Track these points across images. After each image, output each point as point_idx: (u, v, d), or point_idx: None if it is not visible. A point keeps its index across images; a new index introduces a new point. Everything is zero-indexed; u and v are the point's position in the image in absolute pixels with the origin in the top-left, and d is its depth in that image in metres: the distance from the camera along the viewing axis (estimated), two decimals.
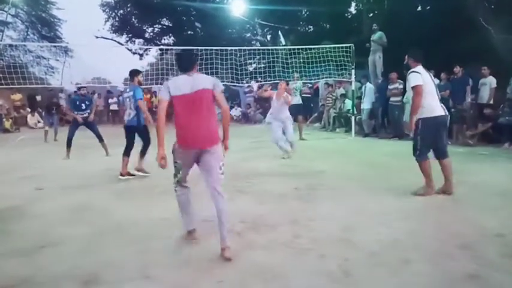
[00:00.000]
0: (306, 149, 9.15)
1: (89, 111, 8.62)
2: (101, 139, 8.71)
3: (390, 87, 10.57)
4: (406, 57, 4.94)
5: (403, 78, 10.88)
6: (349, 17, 21.25)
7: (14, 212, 4.65)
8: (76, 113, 8.49)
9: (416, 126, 4.64)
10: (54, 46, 24.65)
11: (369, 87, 11.43)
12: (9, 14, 24.07)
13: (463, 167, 6.05)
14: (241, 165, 7.07)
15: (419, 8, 17.47)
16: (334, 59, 11.42)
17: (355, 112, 11.71)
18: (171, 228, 3.92)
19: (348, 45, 11.30)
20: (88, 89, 12.62)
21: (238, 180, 5.93)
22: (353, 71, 11.36)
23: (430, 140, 4.65)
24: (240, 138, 11.73)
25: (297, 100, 10.68)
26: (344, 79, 12.15)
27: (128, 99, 6.39)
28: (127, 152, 6.45)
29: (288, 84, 8.38)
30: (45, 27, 25.56)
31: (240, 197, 5.04)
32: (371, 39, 12.41)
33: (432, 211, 4.31)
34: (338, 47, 11.48)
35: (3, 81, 10.62)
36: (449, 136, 9.07)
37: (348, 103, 12.59)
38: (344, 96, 13.19)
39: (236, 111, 21.46)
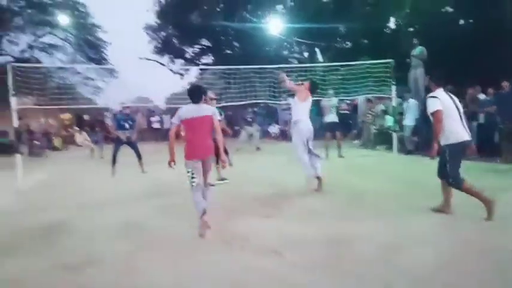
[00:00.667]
0: (345, 166, 9.00)
1: (132, 130, 8.94)
2: (139, 157, 9.04)
3: None
4: (428, 79, 4.85)
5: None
6: (388, 32, 20.98)
7: (62, 227, 4.85)
8: (120, 131, 8.84)
9: (439, 151, 4.52)
10: (101, 68, 25.93)
11: (412, 103, 11.15)
12: (60, 38, 25.61)
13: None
14: (279, 182, 7.05)
15: (461, 22, 17.00)
16: (373, 75, 11.25)
17: (397, 128, 11.43)
18: (209, 245, 3.96)
19: (387, 60, 11.12)
20: (132, 108, 13.17)
21: (276, 198, 5.92)
22: (393, 87, 11.14)
23: (459, 164, 4.53)
24: (276, 155, 11.73)
25: (332, 118, 10.60)
26: (384, 95, 11.92)
27: None
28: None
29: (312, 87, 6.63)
30: (92, 49, 26.97)
31: (278, 215, 5.02)
32: (411, 54, 12.17)
33: (476, 231, 4.08)
34: (377, 63, 11.32)
35: (53, 102, 11.22)
36: (497, 154, 8.66)
37: (389, 119, 12.31)
38: (385, 112, 12.89)
39: (274, 129, 21.52)
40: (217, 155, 5.24)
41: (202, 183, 4.56)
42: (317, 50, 20.57)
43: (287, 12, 22.95)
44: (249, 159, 10.81)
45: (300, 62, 21.91)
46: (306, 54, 23.72)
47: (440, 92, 4.56)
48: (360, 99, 14.74)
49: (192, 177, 4.47)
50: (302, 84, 6.80)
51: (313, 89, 6.63)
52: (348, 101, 15.14)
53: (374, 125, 13.56)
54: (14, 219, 5.36)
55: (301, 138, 6.23)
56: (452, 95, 4.64)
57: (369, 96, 12.93)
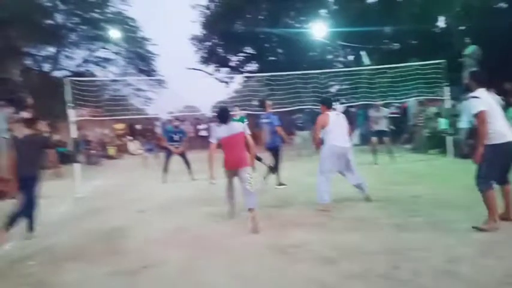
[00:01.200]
0: (397, 172, 8.71)
1: (181, 142, 9.42)
2: (189, 167, 9.40)
3: None
4: (469, 78, 4.61)
5: (503, 93, 9.98)
6: (438, 31, 20.15)
7: (119, 233, 5.05)
8: (171, 144, 9.34)
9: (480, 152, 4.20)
10: (151, 79, 26.91)
11: (467, 104, 10.61)
12: (112, 52, 26.91)
13: None
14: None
15: None
16: (424, 76, 10.83)
17: (452, 131, 10.91)
18: (263, 252, 3.96)
19: (439, 61, 10.67)
20: (179, 117, 13.61)
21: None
22: (446, 88, 10.66)
23: (497, 168, 4.24)
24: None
25: (380, 127, 10.50)
26: (437, 97, 11.44)
27: (266, 125, 7.65)
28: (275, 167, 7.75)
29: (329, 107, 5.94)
30: (142, 61, 28.08)
31: (330, 223, 4.94)
32: (464, 53, 11.61)
33: None
34: (428, 64, 10.89)
35: (107, 113, 11.75)
36: None
37: (442, 122, 11.77)
38: (437, 115, 12.35)
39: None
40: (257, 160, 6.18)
41: (233, 193, 5.44)
42: (363, 53, 20.12)
43: (331, 16, 22.70)
44: (295, 166, 10.74)
45: (345, 66, 21.55)
46: (351, 58, 23.30)
47: (482, 92, 4.32)
48: (410, 102, 14.25)
49: (228, 183, 5.37)
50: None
51: (327, 104, 6.00)
52: (398, 104, 14.66)
53: (426, 128, 13.03)
54: (74, 225, 5.66)
55: (331, 160, 5.71)
56: (493, 94, 4.41)
57: (420, 98, 12.46)
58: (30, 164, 5.14)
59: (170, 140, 9.41)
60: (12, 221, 4.86)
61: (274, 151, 7.80)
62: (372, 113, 10.71)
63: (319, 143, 5.89)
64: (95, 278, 3.54)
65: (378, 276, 3.20)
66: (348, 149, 5.79)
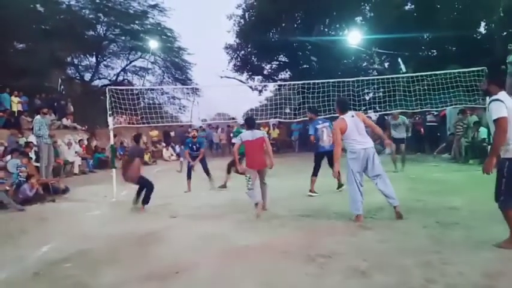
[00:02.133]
0: (434, 182, 8.42)
1: (198, 152, 9.52)
2: (208, 174, 9.54)
3: None
4: (486, 81, 4.18)
5: None
6: (479, 37, 19.44)
7: (152, 238, 5.15)
8: (190, 153, 9.56)
9: (498, 165, 3.89)
10: (186, 88, 27.48)
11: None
12: (149, 61, 27.71)
13: None
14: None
15: None
16: (463, 84, 10.44)
17: (492, 141, 10.44)
18: (293, 261, 3.92)
19: (479, 68, 10.26)
20: (213, 124, 13.83)
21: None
22: (487, 97, 10.22)
23: None
24: None
25: (398, 135, 10.74)
26: (477, 105, 10.99)
27: (323, 129, 7.79)
28: (315, 173, 7.80)
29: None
30: (178, 71, 28.73)
31: (362, 233, 4.83)
32: (507, 61, 11.10)
33: None
34: (468, 71, 10.49)
35: (144, 120, 12.03)
36: None
37: (483, 131, 11.29)
38: (478, 124, 11.86)
39: None
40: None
41: (258, 185, 6.37)
42: (399, 60, 19.69)
43: (366, 23, 22.41)
44: (328, 173, 10.60)
45: (379, 73, 21.17)
46: (386, 65, 22.85)
47: (504, 95, 3.87)
48: (449, 110, 13.77)
49: (249, 181, 6.25)
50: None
51: (341, 106, 5.76)
52: (435, 112, 14.19)
53: (466, 137, 12.54)
54: (109, 228, 5.82)
55: (357, 165, 5.45)
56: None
57: (460, 106, 12.02)
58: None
59: (191, 150, 9.60)
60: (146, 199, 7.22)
61: (330, 155, 7.06)
62: (390, 121, 11.05)
63: (338, 155, 5.52)
64: (130, 282, 3.61)
65: None
66: (370, 150, 5.44)
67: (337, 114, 5.82)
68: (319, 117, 8.45)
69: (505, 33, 17.29)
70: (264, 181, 6.50)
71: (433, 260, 3.67)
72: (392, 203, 5.39)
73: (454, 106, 11.75)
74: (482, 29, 19.55)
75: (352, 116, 5.55)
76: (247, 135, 6.36)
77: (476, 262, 3.57)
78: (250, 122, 6.57)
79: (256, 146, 6.31)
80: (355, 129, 5.46)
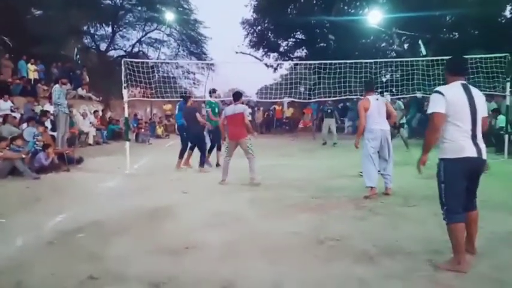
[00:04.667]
0: None
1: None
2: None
3: None
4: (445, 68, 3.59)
5: None
6: (503, 21, 18.78)
7: (164, 212, 5.22)
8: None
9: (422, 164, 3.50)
10: (201, 62, 27.30)
11: None
12: (165, 33, 27.51)
13: None
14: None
15: None
16: (485, 70, 10.16)
17: (510, 130, 10.23)
18: (302, 243, 3.95)
19: (502, 55, 9.95)
20: (226, 100, 13.79)
21: (369, 199, 5.68)
22: (508, 84, 9.95)
23: (458, 190, 3.27)
24: None
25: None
26: (497, 93, 10.72)
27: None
28: None
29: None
30: (193, 44, 28.52)
31: (372, 218, 4.84)
32: None
33: None
34: (490, 57, 10.18)
35: (158, 94, 12.01)
36: None
37: (502, 119, 11.06)
38: (497, 111, 11.61)
39: None
40: None
41: (229, 162, 7.16)
42: (420, 42, 19.20)
43: (387, 2, 21.77)
44: (340, 155, 10.58)
45: (398, 55, 20.71)
46: (406, 46, 22.31)
47: (452, 86, 3.35)
48: None
49: (225, 149, 7.34)
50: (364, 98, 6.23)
51: (368, 88, 6.24)
52: None
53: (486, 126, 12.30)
54: (121, 201, 5.93)
55: (373, 143, 5.87)
56: (475, 92, 3.34)
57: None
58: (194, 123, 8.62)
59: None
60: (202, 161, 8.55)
61: None
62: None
63: (361, 130, 5.99)
64: (140, 255, 3.68)
65: (420, 278, 3.10)
66: (387, 132, 5.96)
67: (352, 96, 6.10)
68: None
69: None
70: (248, 154, 6.99)
71: (442, 248, 3.65)
72: (387, 183, 6.00)
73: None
74: (507, 13, 18.88)
75: (377, 99, 6.05)
76: (229, 109, 7.17)
77: (488, 252, 3.55)
78: (235, 96, 7.26)
79: (235, 120, 7.00)
80: (376, 110, 5.93)
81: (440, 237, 3.99)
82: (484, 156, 3.29)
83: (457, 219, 3.24)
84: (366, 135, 5.96)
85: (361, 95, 9.88)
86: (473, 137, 3.26)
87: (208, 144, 9.28)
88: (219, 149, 9.34)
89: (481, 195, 3.48)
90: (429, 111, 3.32)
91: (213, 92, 10.06)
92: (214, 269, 3.34)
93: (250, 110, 6.86)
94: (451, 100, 3.23)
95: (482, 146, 3.30)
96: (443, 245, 3.70)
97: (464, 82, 3.36)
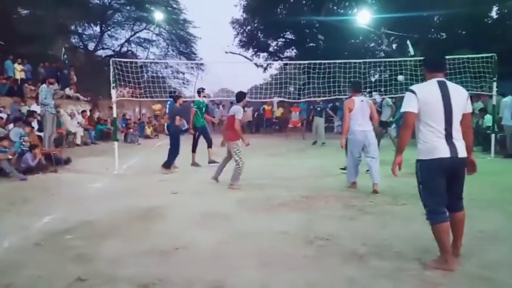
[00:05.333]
0: None
1: None
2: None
3: None
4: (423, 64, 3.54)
5: None
6: (490, 22, 19.06)
7: (153, 213, 5.19)
8: None
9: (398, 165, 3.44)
10: (191, 62, 27.20)
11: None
12: (154, 33, 27.34)
13: None
14: (362, 181, 6.80)
15: None
16: (472, 70, 10.29)
17: (496, 129, 10.39)
18: (291, 243, 3.96)
19: (488, 55, 10.10)
20: (216, 100, 13.79)
21: (360, 198, 5.73)
22: (494, 84, 10.10)
23: (436, 190, 3.24)
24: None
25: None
26: (483, 92, 10.88)
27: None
28: None
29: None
30: (182, 44, 28.42)
31: (361, 217, 4.87)
32: None
33: None
34: (477, 57, 10.32)
35: (147, 94, 11.89)
36: None
37: (488, 119, 11.22)
38: (483, 111, 11.79)
39: None
40: None
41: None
42: (408, 42, 19.38)
43: (376, 3, 21.95)
44: (330, 155, 10.62)
45: (387, 55, 20.88)
46: (394, 46, 22.52)
47: (427, 84, 3.30)
48: None
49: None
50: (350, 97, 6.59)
51: (355, 89, 6.55)
52: None
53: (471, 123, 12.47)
54: (110, 201, 5.87)
55: (356, 143, 6.29)
56: (453, 89, 3.25)
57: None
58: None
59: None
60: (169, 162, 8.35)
61: None
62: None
63: (346, 130, 6.28)
64: (130, 256, 3.65)
65: (409, 277, 3.12)
66: (369, 133, 6.23)
67: (341, 96, 6.19)
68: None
69: None
70: (235, 159, 6.67)
71: (430, 247, 3.68)
72: (373, 179, 6.19)
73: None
74: (494, 14, 19.15)
75: (362, 101, 6.30)
76: (231, 110, 6.87)
77: (475, 250, 3.59)
78: (236, 97, 7.05)
79: (228, 121, 6.90)
80: (360, 112, 6.21)
81: (428, 236, 4.01)
82: (461, 154, 3.22)
83: (439, 220, 3.23)
84: (349, 136, 6.31)
85: (346, 95, 10.14)
86: (448, 137, 3.19)
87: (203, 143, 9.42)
88: (209, 146, 9.41)
89: (469, 194, 3.51)
90: (401, 110, 3.29)
91: (202, 91, 10.03)
92: (205, 270, 3.33)
93: (242, 112, 6.71)
94: (423, 99, 3.18)
95: (459, 144, 3.23)
96: (431, 244, 3.72)
97: (442, 79, 3.29)
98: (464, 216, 3.39)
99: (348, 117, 6.20)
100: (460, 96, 3.27)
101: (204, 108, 9.43)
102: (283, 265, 3.42)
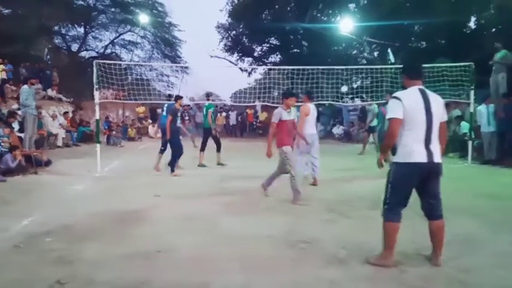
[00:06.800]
0: None
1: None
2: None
3: None
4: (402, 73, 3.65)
5: None
6: (468, 32, 19.58)
7: (135, 216, 5.17)
8: None
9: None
10: (176, 65, 27.09)
11: (492, 108, 10.36)
12: (139, 35, 27.18)
13: None
14: (343, 186, 6.93)
15: None
16: (450, 78, 10.57)
17: (473, 136, 10.67)
18: (274, 246, 4.00)
19: (466, 64, 10.39)
20: (200, 103, 13.76)
21: (341, 202, 5.82)
22: (472, 92, 10.39)
23: (402, 193, 3.42)
24: (342, 157, 11.51)
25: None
26: (461, 100, 11.18)
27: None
28: None
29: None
30: (167, 47, 28.31)
31: (343, 221, 4.95)
32: (493, 59, 11.24)
33: None
34: (455, 66, 10.61)
35: (131, 96, 11.83)
36: None
37: (465, 126, 11.53)
38: (460, 118, 12.10)
39: (338, 130, 21.09)
40: None
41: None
42: (389, 50, 19.77)
43: (359, 11, 22.32)
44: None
45: (368, 62, 21.24)
46: (376, 54, 22.92)
47: (410, 91, 3.40)
48: None
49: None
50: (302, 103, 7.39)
51: (311, 97, 7.58)
52: None
53: (447, 131, 12.78)
54: (92, 204, 5.83)
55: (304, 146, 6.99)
56: (432, 97, 3.39)
57: (444, 100, 12.18)
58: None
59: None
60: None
61: None
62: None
63: (302, 134, 6.79)
64: (112, 259, 3.63)
65: (388, 280, 3.20)
66: (315, 137, 7.23)
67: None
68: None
69: (494, 29, 17.44)
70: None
71: (408, 250, 3.80)
72: (314, 174, 7.16)
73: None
74: (472, 24, 19.68)
75: (314, 108, 7.24)
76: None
77: (451, 254, 3.68)
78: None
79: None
80: (313, 117, 7.20)
81: (407, 239, 4.15)
82: (437, 160, 3.34)
83: (392, 219, 3.43)
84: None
85: (335, 100, 10.61)
86: (427, 142, 3.31)
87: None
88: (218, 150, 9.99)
89: (444, 199, 3.61)
90: (387, 116, 3.40)
91: (210, 95, 10.84)
92: (188, 273, 3.34)
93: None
94: (408, 106, 3.29)
95: (436, 150, 3.34)
96: (410, 247, 3.86)
97: (422, 87, 3.43)
98: (443, 224, 3.50)
99: (304, 121, 7.00)
100: (438, 104, 3.41)
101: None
102: (265, 268, 3.45)
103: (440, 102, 3.45)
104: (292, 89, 12.42)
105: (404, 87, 3.52)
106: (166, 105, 9.81)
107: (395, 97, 3.37)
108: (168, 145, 8.75)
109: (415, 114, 3.30)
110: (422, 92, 3.38)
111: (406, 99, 3.33)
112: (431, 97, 3.38)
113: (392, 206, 3.43)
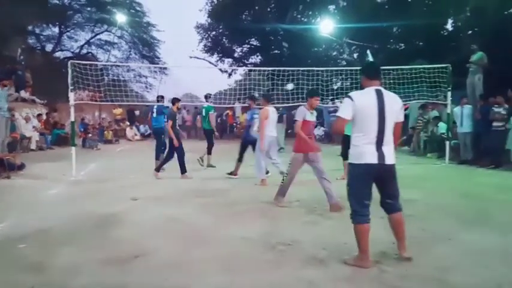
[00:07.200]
0: None
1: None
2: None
3: (495, 110, 9.76)
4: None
5: (507, 101, 9.93)
6: (445, 34, 20.02)
7: (112, 220, 5.04)
8: None
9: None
10: (154, 66, 26.75)
11: (467, 109, 10.59)
12: (116, 35, 26.72)
13: None
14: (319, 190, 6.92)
15: None
16: (428, 79, 10.76)
17: (451, 136, 10.89)
18: (254, 248, 3.96)
19: (444, 65, 10.60)
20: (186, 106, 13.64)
21: (322, 204, 5.81)
22: (449, 93, 10.60)
23: (360, 194, 3.43)
24: (323, 158, 11.52)
25: None
26: (439, 101, 11.40)
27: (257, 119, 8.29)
28: (240, 159, 8.41)
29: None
30: (145, 47, 27.92)
31: (323, 222, 4.94)
32: (470, 61, 11.49)
33: None
34: (433, 68, 10.81)
35: (107, 98, 11.58)
36: None
37: (442, 127, 11.77)
38: (438, 119, 12.35)
39: (319, 131, 21.19)
40: None
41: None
42: (368, 51, 20.03)
43: (339, 13, 22.56)
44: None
45: (348, 64, 21.47)
46: (355, 55, 23.20)
47: (365, 92, 3.39)
48: (412, 104, 14.21)
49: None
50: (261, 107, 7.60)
51: (269, 100, 7.67)
52: None
53: (425, 131, 13.02)
54: (67, 208, 5.66)
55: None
56: (389, 98, 3.36)
57: (422, 101, 12.42)
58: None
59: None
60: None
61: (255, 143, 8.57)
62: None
63: (263, 135, 7.15)
64: (88, 265, 3.51)
65: (367, 280, 3.20)
66: (274, 139, 7.45)
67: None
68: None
69: (470, 31, 17.86)
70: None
71: (387, 250, 3.81)
72: (280, 168, 7.04)
73: (417, 101, 12.12)
74: (449, 26, 20.14)
75: (273, 111, 7.42)
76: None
77: (429, 253, 3.74)
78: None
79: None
80: (272, 120, 7.36)
81: (386, 239, 4.16)
82: (389, 161, 3.35)
83: (360, 221, 3.42)
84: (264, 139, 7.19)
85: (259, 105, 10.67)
86: (378, 143, 3.30)
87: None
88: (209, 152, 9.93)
89: (424, 199, 3.64)
90: (336, 114, 3.46)
91: (209, 97, 10.77)
92: (166, 277, 3.26)
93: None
94: (360, 106, 3.29)
95: (388, 152, 3.35)
96: (389, 247, 3.86)
97: (379, 88, 3.40)
98: (401, 217, 3.57)
99: (264, 123, 7.16)
100: (394, 105, 3.40)
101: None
102: (245, 270, 3.41)
103: (397, 102, 3.46)
104: (272, 90, 12.46)
105: (362, 87, 3.51)
106: (156, 106, 9.73)
107: (348, 96, 3.37)
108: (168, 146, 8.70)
109: (367, 114, 3.29)
110: (378, 92, 3.35)
111: (359, 99, 3.33)
112: (386, 98, 3.35)
113: (356, 208, 3.43)
